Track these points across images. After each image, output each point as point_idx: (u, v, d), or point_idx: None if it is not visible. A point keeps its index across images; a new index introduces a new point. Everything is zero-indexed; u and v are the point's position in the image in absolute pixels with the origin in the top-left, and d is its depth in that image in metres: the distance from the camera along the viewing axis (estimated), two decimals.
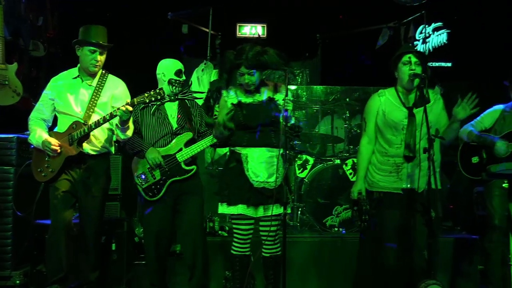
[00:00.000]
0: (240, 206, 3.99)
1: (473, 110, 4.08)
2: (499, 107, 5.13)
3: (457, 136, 4.25)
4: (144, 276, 5.13)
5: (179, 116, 4.55)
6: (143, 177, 4.49)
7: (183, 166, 4.48)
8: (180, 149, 4.50)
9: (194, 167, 4.52)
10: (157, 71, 4.65)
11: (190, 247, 4.53)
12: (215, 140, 4.39)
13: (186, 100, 4.66)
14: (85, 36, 4.42)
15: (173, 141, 4.51)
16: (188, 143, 4.50)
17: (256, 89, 4.10)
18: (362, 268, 4.76)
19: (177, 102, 4.62)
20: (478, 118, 5.16)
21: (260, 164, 3.99)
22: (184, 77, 4.65)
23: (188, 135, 4.51)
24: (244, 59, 3.93)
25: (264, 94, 4.10)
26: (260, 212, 4.02)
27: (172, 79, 4.54)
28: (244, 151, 4.04)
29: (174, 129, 4.52)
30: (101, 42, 4.42)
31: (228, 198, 4.02)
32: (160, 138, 4.53)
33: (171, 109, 4.57)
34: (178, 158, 4.48)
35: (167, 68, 4.58)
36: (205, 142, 4.48)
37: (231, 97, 4.11)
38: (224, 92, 4.15)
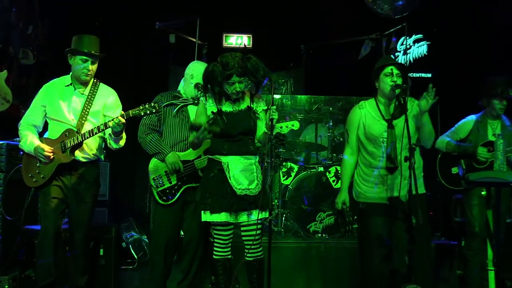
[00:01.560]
0: (223, 214, 4.00)
1: (434, 100, 4.03)
2: (472, 118, 5.25)
3: (432, 130, 4.31)
4: (130, 281, 5.19)
5: None
6: (159, 180, 4.50)
7: (200, 173, 4.46)
8: (199, 156, 4.50)
9: None
10: (186, 71, 4.64)
11: (190, 253, 4.59)
12: None
13: None
14: (77, 45, 4.41)
15: None
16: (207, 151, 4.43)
17: (236, 98, 4.11)
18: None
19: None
20: (453, 129, 5.29)
21: (240, 172, 4.02)
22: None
23: (208, 143, 4.33)
24: (234, 68, 3.90)
25: (244, 103, 4.13)
26: (241, 218, 4.05)
27: (200, 84, 4.41)
28: (225, 159, 4.04)
29: None
30: (93, 52, 4.41)
31: (212, 207, 4.01)
32: (180, 141, 4.54)
33: (194, 113, 4.45)
34: (196, 165, 4.50)
35: (197, 71, 4.51)
36: None
37: (210, 105, 4.10)
38: (203, 99, 4.12)
